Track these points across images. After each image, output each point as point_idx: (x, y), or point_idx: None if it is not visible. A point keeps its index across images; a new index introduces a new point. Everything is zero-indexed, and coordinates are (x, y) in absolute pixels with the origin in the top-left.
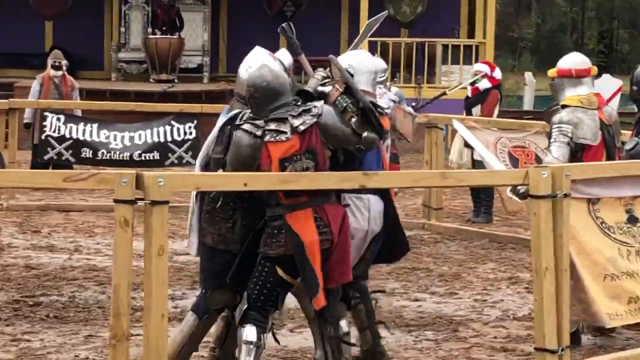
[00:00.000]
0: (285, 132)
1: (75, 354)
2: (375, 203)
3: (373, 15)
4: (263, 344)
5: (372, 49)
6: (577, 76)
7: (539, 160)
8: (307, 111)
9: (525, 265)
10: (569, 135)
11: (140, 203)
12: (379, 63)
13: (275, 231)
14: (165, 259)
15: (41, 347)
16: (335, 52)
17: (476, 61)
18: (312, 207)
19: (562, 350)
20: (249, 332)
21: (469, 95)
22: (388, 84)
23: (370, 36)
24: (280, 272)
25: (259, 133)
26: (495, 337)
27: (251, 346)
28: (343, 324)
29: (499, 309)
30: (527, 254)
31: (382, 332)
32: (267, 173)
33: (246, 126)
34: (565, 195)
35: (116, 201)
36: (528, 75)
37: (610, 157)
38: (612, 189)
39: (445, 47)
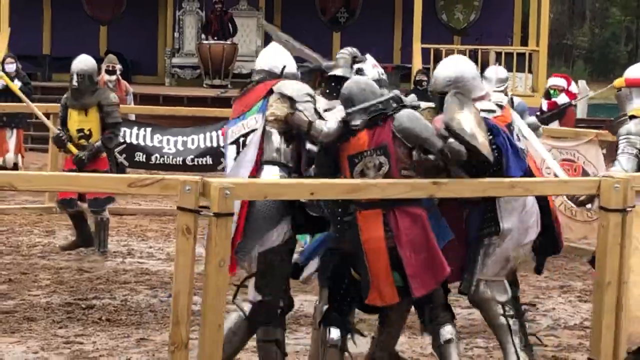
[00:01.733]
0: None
1: (127, 357)
2: (530, 199)
3: (426, 20)
4: (346, 346)
5: (425, 55)
6: None
7: (586, 175)
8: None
9: (576, 274)
10: (638, 146)
11: (204, 212)
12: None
13: (346, 227)
14: (226, 271)
15: (93, 349)
16: (389, 57)
17: (529, 69)
18: (382, 208)
19: None
20: (333, 334)
21: (544, 109)
22: (510, 93)
23: (424, 43)
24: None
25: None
26: (546, 346)
27: (335, 349)
28: (446, 330)
29: (551, 318)
30: (579, 262)
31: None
32: (336, 181)
33: None
34: (632, 208)
35: (180, 209)
36: (582, 84)
37: None
38: None
39: (498, 54)
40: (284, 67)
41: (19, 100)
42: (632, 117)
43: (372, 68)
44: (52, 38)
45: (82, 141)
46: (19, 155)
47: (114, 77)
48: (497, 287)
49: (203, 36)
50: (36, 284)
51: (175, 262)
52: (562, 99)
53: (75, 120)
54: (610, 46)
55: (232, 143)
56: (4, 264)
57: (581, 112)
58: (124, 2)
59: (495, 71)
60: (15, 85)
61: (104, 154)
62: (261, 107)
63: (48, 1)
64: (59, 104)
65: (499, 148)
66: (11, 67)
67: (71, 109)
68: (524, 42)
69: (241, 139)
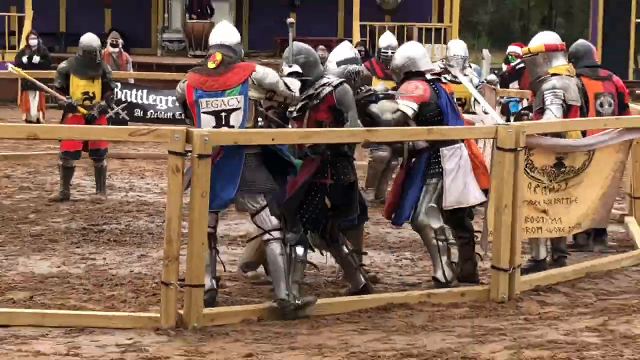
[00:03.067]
0: None
1: (131, 270)
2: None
3: (363, 3)
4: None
5: (363, 31)
6: (561, 49)
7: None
8: None
9: None
10: (562, 97)
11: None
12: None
13: (346, 162)
14: (207, 200)
15: (104, 264)
16: (334, 32)
17: (445, 41)
18: None
19: (514, 269)
20: (299, 251)
21: (505, 72)
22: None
23: (361, 21)
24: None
25: None
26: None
27: (303, 264)
28: (345, 246)
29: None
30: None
31: None
32: (290, 130)
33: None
34: (522, 149)
35: (170, 152)
36: (485, 52)
37: (582, 115)
38: (552, 141)
39: (420, 29)
40: (240, 43)
41: (43, 67)
42: (554, 74)
43: (349, 50)
44: (67, 18)
45: (87, 102)
46: (41, 112)
47: (117, 50)
48: (432, 217)
49: (187, 16)
50: (57, 213)
51: (168, 194)
52: (518, 64)
53: (81, 85)
54: (507, 23)
55: (209, 113)
56: (32, 198)
57: (485, 74)
58: None
59: (463, 47)
60: (26, 72)
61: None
62: (242, 90)
63: None
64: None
65: (440, 108)
66: (34, 41)
67: (77, 77)
68: (440, 19)
69: (222, 114)
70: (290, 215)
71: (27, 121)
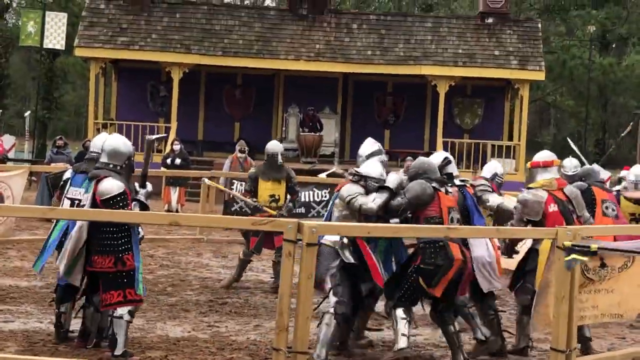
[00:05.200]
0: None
1: (248, 337)
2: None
3: (446, 123)
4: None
5: (445, 145)
6: (543, 166)
7: None
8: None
9: None
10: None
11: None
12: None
13: (435, 249)
14: (312, 282)
15: (226, 331)
16: (421, 146)
17: (514, 157)
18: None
19: (570, 351)
20: (402, 324)
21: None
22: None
23: (444, 137)
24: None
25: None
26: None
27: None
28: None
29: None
30: None
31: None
32: (384, 225)
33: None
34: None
35: (284, 240)
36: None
37: (568, 223)
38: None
39: (493, 146)
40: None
41: (183, 168)
42: (529, 188)
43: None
44: (204, 129)
45: (273, 204)
46: (179, 204)
47: (243, 155)
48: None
49: (301, 130)
50: (189, 287)
51: (281, 274)
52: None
53: (268, 188)
54: (567, 142)
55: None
56: (169, 274)
57: None
58: (250, 107)
59: (570, 161)
60: (214, 182)
61: None
62: (335, 196)
63: (202, 104)
64: (210, 171)
65: (467, 208)
66: (177, 147)
67: (264, 180)
68: (510, 138)
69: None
70: (388, 292)
71: (168, 211)
